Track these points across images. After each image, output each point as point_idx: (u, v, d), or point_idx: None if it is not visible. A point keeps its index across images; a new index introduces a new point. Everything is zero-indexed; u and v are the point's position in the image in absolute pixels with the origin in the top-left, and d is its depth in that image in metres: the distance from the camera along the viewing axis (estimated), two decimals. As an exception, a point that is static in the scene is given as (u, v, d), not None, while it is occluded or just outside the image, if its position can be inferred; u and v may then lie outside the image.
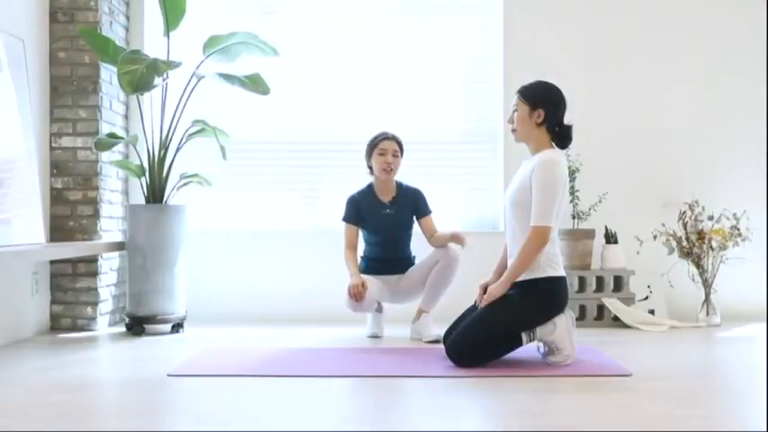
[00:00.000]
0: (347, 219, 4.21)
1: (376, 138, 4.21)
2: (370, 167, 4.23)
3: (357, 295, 3.96)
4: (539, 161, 3.28)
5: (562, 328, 3.30)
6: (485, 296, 3.35)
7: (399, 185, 4.27)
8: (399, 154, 4.20)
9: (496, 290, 3.30)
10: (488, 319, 3.28)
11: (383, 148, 4.16)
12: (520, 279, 3.30)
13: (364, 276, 4.08)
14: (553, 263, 3.31)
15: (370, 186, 4.26)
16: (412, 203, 4.24)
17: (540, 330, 3.31)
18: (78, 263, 4.36)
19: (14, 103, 3.94)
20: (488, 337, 3.26)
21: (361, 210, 4.19)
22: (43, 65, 4.35)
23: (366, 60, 4.99)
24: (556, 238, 3.36)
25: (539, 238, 3.25)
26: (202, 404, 2.70)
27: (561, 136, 3.39)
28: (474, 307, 3.47)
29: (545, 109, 3.34)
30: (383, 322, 4.23)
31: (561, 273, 3.34)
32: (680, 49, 4.92)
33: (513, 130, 3.45)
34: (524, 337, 3.30)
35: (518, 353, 3.39)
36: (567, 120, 3.43)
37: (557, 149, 3.38)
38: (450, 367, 3.27)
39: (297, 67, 4.96)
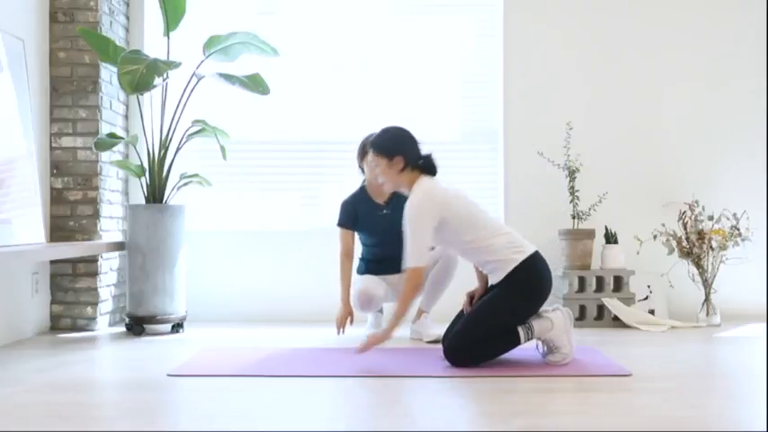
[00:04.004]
0: (342, 223, 4.17)
1: (365, 145, 4.12)
2: (362, 168, 4.21)
3: (339, 326, 4.05)
4: (408, 201, 3.32)
5: (559, 324, 3.30)
6: (369, 341, 3.32)
7: None
8: None
9: (378, 339, 3.31)
10: (480, 317, 3.28)
11: (371, 160, 4.12)
12: (499, 278, 3.29)
13: (370, 277, 4.08)
14: (513, 249, 3.29)
15: (362, 189, 4.23)
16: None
17: (537, 327, 3.30)
18: (78, 263, 4.36)
19: (14, 103, 3.94)
20: (483, 336, 3.26)
21: (358, 213, 4.16)
22: (43, 65, 4.35)
23: (366, 60, 4.99)
24: (502, 231, 3.32)
25: (411, 279, 3.26)
26: (202, 404, 2.70)
27: (426, 168, 3.40)
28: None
29: (401, 154, 3.36)
30: (383, 322, 4.23)
31: (528, 251, 3.31)
32: (680, 48, 4.93)
33: (382, 184, 3.46)
34: (522, 334, 3.29)
35: (517, 353, 3.39)
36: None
37: (427, 178, 3.38)
38: (449, 367, 3.27)
39: (297, 67, 4.96)
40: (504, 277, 3.27)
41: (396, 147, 3.37)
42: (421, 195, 3.28)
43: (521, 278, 3.27)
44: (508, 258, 3.27)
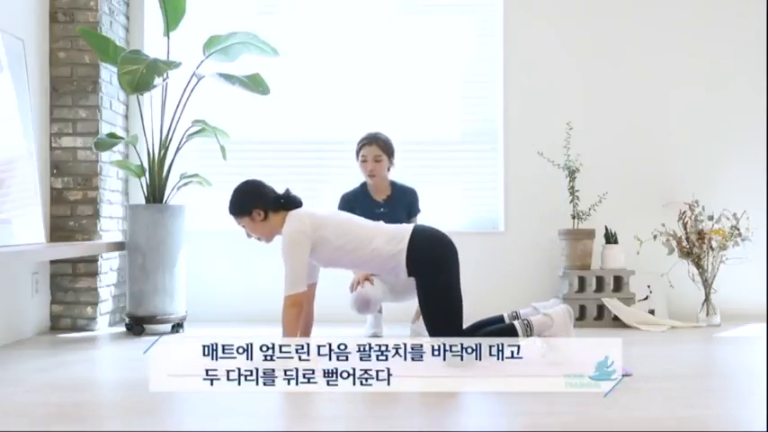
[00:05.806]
0: None
1: (359, 143, 4.17)
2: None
3: (354, 284, 3.99)
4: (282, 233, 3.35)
5: (559, 322, 3.29)
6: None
7: (394, 185, 4.25)
8: (383, 156, 4.14)
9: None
10: (429, 308, 3.31)
11: (363, 155, 4.14)
12: (406, 272, 3.32)
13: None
14: (395, 242, 3.32)
15: (363, 185, 4.24)
16: (408, 203, 4.23)
17: (536, 325, 3.29)
18: (78, 263, 4.36)
19: (14, 103, 3.94)
20: (445, 316, 3.28)
21: (356, 208, 4.16)
22: (43, 65, 4.35)
23: (366, 60, 4.99)
24: (377, 232, 3.36)
25: (292, 306, 3.29)
26: (202, 404, 2.70)
27: (289, 204, 3.41)
28: None
29: (257, 207, 3.37)
30: (383, 322, 4.23)
31: (407, 236, 3.33)
32: (680, 49, 4.92)
33: (259, 239, 3.47)
34: (519, 330, 3.28)
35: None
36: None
37: (294, 210, 3.40)
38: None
39: (297, 67, 4.96)
40: (411, 269, 3.31)
41: (248, 202, 3.39)
42: (292, 224, 3.32)
43: (420, 258, 3.29)
44: (396, 252, 3.31)
